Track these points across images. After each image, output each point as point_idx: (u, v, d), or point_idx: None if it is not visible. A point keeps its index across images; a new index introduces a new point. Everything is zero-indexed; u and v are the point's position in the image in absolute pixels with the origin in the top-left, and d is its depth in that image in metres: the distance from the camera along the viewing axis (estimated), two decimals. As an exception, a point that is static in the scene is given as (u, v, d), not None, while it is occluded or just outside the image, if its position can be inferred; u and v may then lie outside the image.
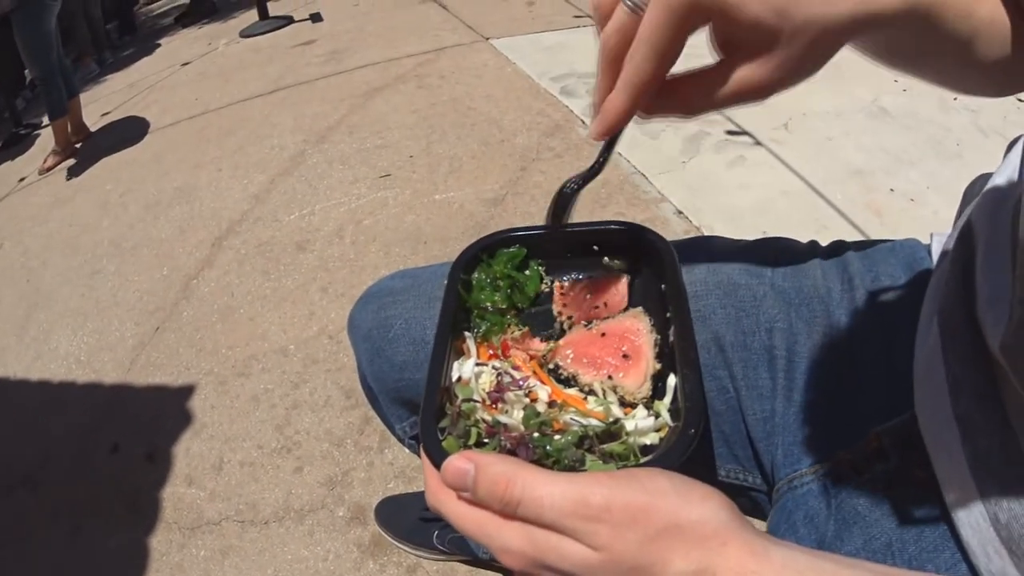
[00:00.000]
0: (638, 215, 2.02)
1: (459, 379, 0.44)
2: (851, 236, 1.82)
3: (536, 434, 0.39)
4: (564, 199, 0.48)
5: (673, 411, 0.42)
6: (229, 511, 1.44)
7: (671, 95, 0.40)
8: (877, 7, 0.35)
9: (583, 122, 2.57)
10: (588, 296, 0.51)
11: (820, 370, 0.52)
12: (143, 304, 2.11)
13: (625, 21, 0.38)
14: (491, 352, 0.48)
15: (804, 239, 0.64)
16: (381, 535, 1.30)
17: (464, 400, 0.42)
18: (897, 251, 0.56)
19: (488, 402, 0.42)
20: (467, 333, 0.49)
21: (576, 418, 0.40)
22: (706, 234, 1.84)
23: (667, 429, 0.41)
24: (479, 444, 0.39)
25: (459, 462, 0.33)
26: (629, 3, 0.37)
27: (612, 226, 0.52)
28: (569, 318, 0.51)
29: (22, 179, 3.36)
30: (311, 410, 1.60)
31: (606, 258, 0.53)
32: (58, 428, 1.77)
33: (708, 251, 0.62)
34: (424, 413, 0.40)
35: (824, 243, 0.63)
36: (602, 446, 0.38)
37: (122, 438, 1.68)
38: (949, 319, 0.44)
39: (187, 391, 1.75)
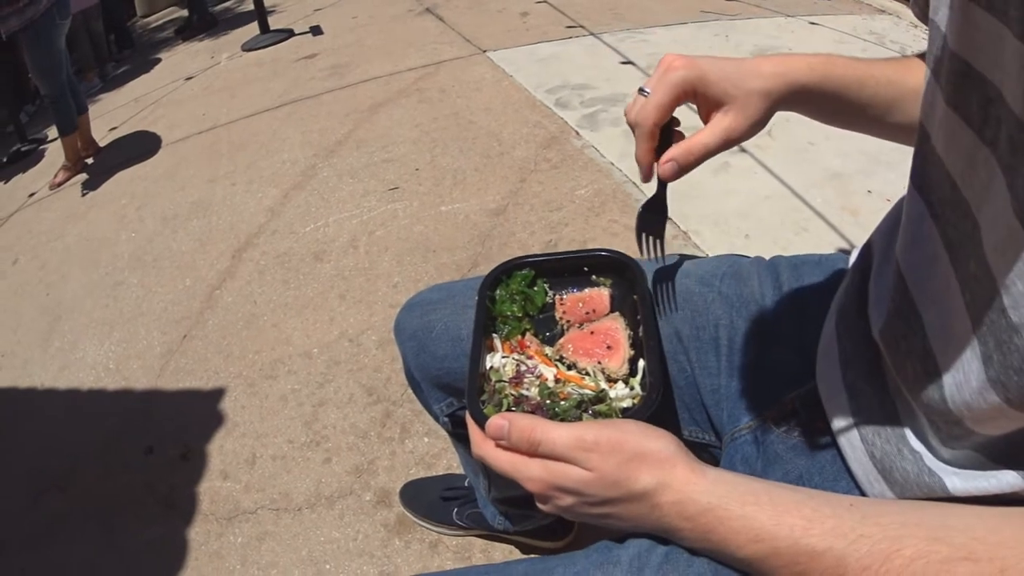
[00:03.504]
0: (630, 221, 2.13)
1: (491, 367, 0.61)
2: (829, 236, 1.94)
3: (548, 401, 0.56)
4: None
5: (643, 384, 0.59)
6: (264, 500, 1.53)
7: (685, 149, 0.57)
8: (791, 78, 0.55)
9: (577, 133, 2.70)
10: (581, 305, 0.70)
11: (753, 354, 0.68)
12: (168, 314, 2.20)
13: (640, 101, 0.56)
14: (511, 348, 0.65)
15: (785, 240, 0.80)
16: (405, 515, 1.40)
17: (497, 381, 0.59)
18: (822, 263, 0.72)
19: (513, 383, 0.59)
20: (494, 334, 0.66)
21: (576, 389, 0.57)
22: (689, 238, 1.99)
23: (639, 397, 0.58)
24: (508, 410, 0.56)
25: (498, 419, 0.50)
26: (644, 92, 0.57)
27: (597, 253, 0.70)
28: (568, 322, 0.69)
29: (32, 194, 3.40)
30: (336, 407, 1.71)
31: (594, 276, 0.72)
32: (90, 434, 1.83)
33: (672, 268, 0.78)
34: (469, 390, 0.57)
35: (801, 244, 0.80)
36: (593, 407, 0.56)
37: (156, 440, 1.74)
38: (846, 312, 0.58)
39: (217, 394, 1.84)
